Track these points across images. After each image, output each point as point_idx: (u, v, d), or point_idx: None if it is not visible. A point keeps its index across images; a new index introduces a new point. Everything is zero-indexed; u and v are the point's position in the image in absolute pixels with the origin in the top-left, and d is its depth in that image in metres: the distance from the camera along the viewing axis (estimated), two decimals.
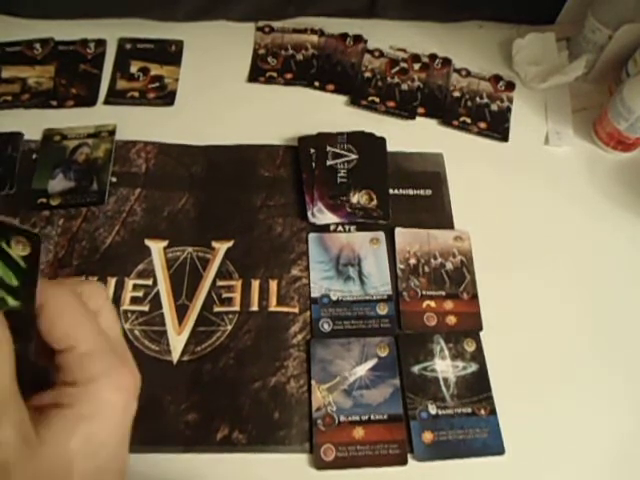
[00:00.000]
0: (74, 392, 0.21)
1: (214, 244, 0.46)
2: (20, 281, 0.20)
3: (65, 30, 0.57)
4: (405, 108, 0.56)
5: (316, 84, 0.57)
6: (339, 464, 0.38)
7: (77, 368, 0.21)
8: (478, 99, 0.57)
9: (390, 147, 0.52)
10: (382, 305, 0.45)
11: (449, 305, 0.45)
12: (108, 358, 0.22)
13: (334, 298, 0.45)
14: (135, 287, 0.44)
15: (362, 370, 0.42)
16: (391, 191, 0.50)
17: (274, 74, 0.57)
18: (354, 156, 0.51)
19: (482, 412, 0.41)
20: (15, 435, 0.19)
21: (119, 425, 0.22)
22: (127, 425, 0.22)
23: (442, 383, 0.42)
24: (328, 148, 0.51)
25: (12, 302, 0.20)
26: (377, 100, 0.56)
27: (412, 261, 0.47)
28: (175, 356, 0.41)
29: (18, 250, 0.20)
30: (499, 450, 0.39)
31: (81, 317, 0.22)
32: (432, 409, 0.41)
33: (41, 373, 0.22)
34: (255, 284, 0.45)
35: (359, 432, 0.39)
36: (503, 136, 0.55)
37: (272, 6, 0.59)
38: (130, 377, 0.23)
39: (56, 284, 0.22)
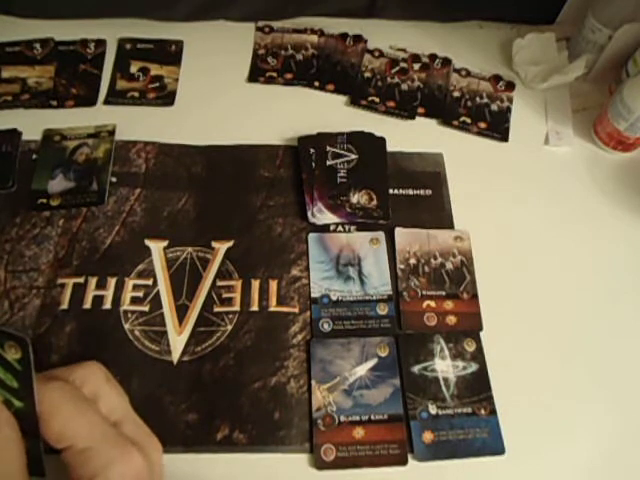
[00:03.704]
0: None
1: (214, 244, 0.46)
2: (19, 383, 0.20)
3: (65, 30, 0.57)
4: (405, 108, 0.56)
5: (316, 84, 0.57)
6: (339, 464, 0.38)
7: (79, 466, 0.21)
8: (478, 99, 0.57)
9: (390, 147, 0.52)
10: (382, 305, 0.45)
11: (449, 305, 0.45)
12: (108, 447, 0.22)
13: (334, 298, 0.45)
14: (135, 287, 0.44)
15: (362, 370, 0.42)
16: (391, 191, 0.50)
17: (274, 74, 0.57)
18: (354, 156, 0.51)
19: (482, 412, 0.41)
20: None
21: None
22: None
23: (442, 383, 0.42)
24: (328, 148, 0.51)
25: (17, 403, 0.21)
26: (377, 100, 0.56)
27: (412, 261, 0.47)
28: (175, 356, 0.41)
29: (11, 354, 0.20)
30: (499, 450, 0.39)
31: (74, 413, 0.21)
32: (432, 409, 0.41)
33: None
34: (255, 284, 0.45)
35: (359, 432, 0.39)
36: (503, 136, 0.55)
37: (272, 6, 0.59)
38: (136, 458, 0.22)
39: (46, 381, 0.21)
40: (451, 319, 0.44)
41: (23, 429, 0.21)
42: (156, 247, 0.46)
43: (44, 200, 0.47)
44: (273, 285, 0.45)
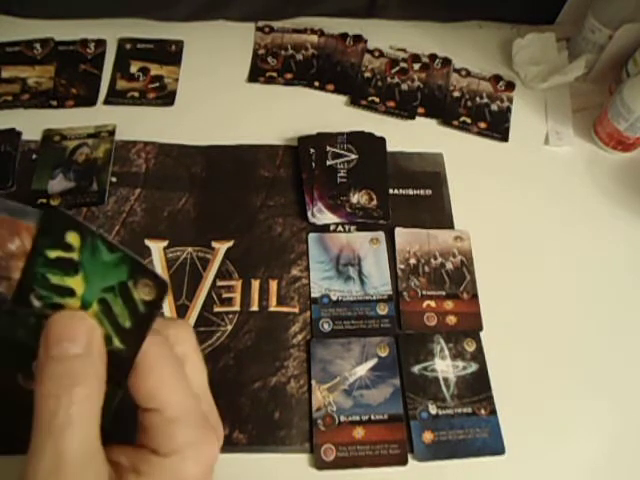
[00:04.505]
0: (154, 462, 0.20)
1: (214, 244, 0.46)
2: (133, 324, 0.19)
3: (65, 30, 0.57)
4: (405, 108, 0.56)
5: (316, 84, 0.57)
6: (339, 464, 0.38)
7: (161, 436, 0.20)
8: (478, 99, 0.57)
9: (390, 147, 0.52)
10: (382, 305, 0.45)
11: (449, 305, 0.45)
12: (194, 427, 0.20)
13: (334, 298, 0.45)
14: None
15: (362, 370, 0.42)
16: (391, 191, 0.50)
17: (274, 74, 0.57)
18: (354, 156, 0.51)
19: (482, 412, 0.41)
20: None
21: None
22: None
23: (442, 383, 0.42)
24: (328, 148, 0.51)
25: (118, 344, 0.19)
26: (377, 100, 0.56)
27: (412, 261, 0.47)
28: None
29: (143, 293, 0.19)
30: (499, 450, 0.39)
31: (171, 376, 0.20)
32: (432, 409, 0.41)
33: (125, 421, 0.20)
34: (255, 284, 0.45)
35: (359, 432, 0.39)
36: (503, 136, 0.55)
37: (272, 6, 0.59)
38: (214, 446, 0.21)
39: (151, 332, 0.20)
40: (451, 319, 0.44)
41: (109, 373, 0.19)
42: (156, 247, 0.46)
43: (44, 200, 0.47)
44: (273, 285, 0.45)
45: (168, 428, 0.20)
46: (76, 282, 0.19)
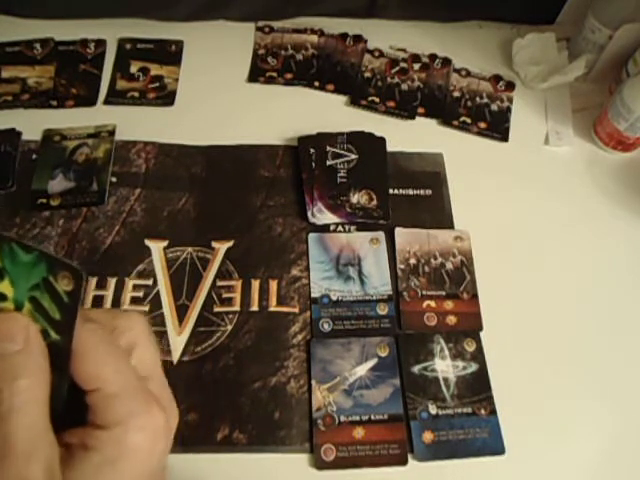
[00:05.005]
0: (100, 435, 0.21)
1: (214, 244, 0.46)
2: (62, 315, 0.21)
3: (65, 30, 0.57)
4: (405, 108, 0.56)
5: (316, 84, 0.57)
6: (339, 464, 0.38)
7: (103, 410, 0.21)
8: (478, 99, 0.57)
9: (390, 147, 0.52)
10: (382, 305, 0.45)
11: (449, 305, 0.45)
12: (134, 399, 0.22)
13: (334, 298, 0.45)
14: (135, 287, 0.44)
15: (362, 370, 0.42)
16: (391, 191, 0.50)
17: (274, 74, 0.57)
18: (354, 156, 0.51)
19: (482, 412, 0.41)
20: (43, 475, 0.19)
21: (143, 468, 0.22)
22: (153, 466, 0.22)
23: (442, 383, 0.42)
24: (328, 148, 0.51)
25: (54, 335, 0.21)
26: (377, 100, 0.56)
27: (412, 261, 0.47)
28: (175, 356, 0.41)
29: (63, 285, 0.20)
30: (499, 450, 0.39)
31: (107, 356, 0.22)
32: (432, 409, 0.41)
33: (75, 407, 0.22)
34: (255, 284, 0.45)
35: (359, 432, 0.39)
36: (503, 136, 0.55)
37: (272, 6, 0.59)
38: (158, 416, 0.22)
39: (83, 321, 0.22)
40: (451, 319, 0.44)
41: (53, 363, 0.21)
42: (156, 247, 0.46)
43: (44, 200, 0.47)
44: (273, 285, 0.45)
45: (109, 402, 0.21)
46: (5, 287, 0.21)
